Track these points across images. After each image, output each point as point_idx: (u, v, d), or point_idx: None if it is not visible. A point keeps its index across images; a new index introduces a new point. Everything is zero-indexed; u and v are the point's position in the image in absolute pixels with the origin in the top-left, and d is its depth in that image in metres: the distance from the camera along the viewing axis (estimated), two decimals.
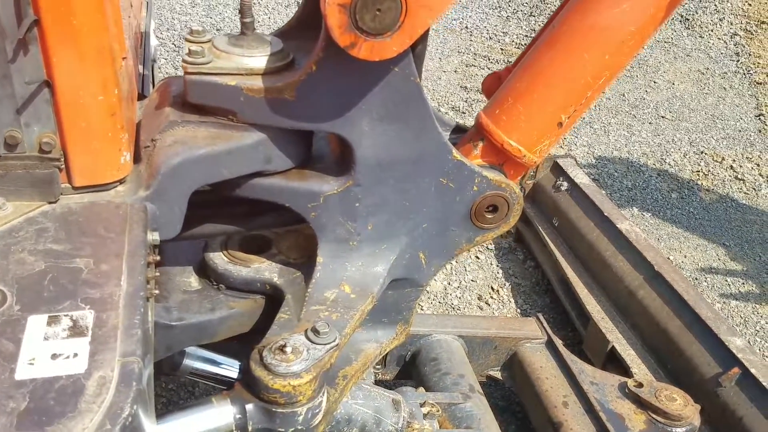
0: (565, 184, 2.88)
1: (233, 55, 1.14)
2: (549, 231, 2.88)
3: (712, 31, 6.19)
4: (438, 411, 1.87)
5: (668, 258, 2.99)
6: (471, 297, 2.88)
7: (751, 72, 5.40)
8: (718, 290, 3.03)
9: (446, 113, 4.46)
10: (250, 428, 1.09)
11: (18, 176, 1.03)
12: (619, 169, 3.94)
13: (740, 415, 1.95)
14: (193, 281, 1.35)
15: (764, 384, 1.92)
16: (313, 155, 1.27)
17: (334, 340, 1.13)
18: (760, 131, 4.49)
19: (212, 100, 1.13)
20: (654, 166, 3.99)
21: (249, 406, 1.09)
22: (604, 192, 2.93)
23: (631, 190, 3.73)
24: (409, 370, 2.18)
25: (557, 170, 2.97)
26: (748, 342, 2.71)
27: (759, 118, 4.66)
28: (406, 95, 1.15)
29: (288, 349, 1.09)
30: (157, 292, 1.02)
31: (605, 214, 2.64)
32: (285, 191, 1.22)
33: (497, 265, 3.07)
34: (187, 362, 1.49)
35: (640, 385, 2.03)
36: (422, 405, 1.87)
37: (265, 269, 1.32)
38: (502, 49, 5.52)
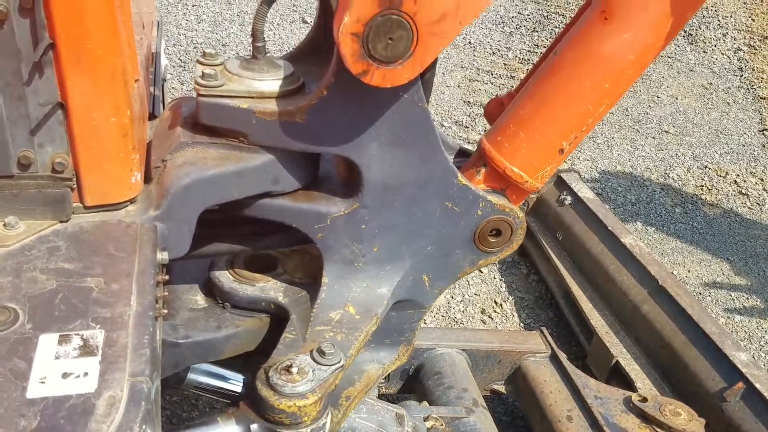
0: (569, 198, 2.89)
1: (245, 78, 1.16)
2: (552, 245, 2.89)
3: (715, 46, 6.22)
4: (441, 425, 1.88)
5: (672, 272, 3.00)
6: (474, 311, 2.89)
7: (755, 87, 5.42)
8: (722, 305, 3.03)
9: (449, 127, 4.49)
10: None
11: (30, 195, 1.04)
12: (622, 183, 3.95)
13: (745, 430, 1.95)
14: (200, 299, 1.36)
15: None
16: (319, 177, 1.29)
17: (339, 362, 1.14)
18: (763, 146, 4.50)
19: (224, 122, 1.15)
20: (658, 181, 4.00)
21: (253, 426, 1.10)
22: (607, 206, 2.94)
23: (635, 205, 3.74)
24: (412, 384, 2.19)
25: (561, 184, 2.98)
26: (753, 357, 2.71)
27: (763, 133, 4.68)
28: (414, 120, 1.16)
29: (294, 370, 1.10)
30: (165, 311, 1.03)
31: (609, 228, 2.65)
32: (292, 212, 1.23)
33: (500, 279, 3.08)
34: (192, 376, 1.50)
35: (644, 399, 2.03)
36: (426, 419, 1.88)
37: (270, 288, 1.33)
38: (505, 64, 5.55)
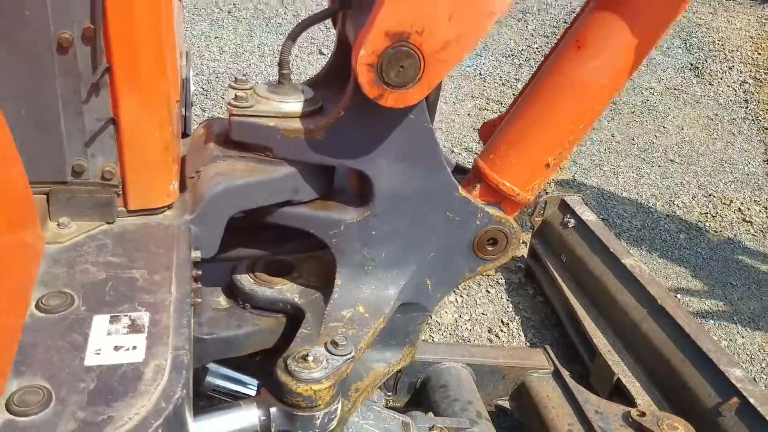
0: (572, 221, 3.00)
1: (272, 100, 1.31)
2: (557, 266, 3.00)
3: (721, 78, 6.36)
4: None
5: (674, 295, 3.09)
6: (481, 330, 2.99)
7: (760, 118, 5.53)
8: (724, 328, 3.11)
9: (459, 154, 4.63)
10: (272, 430, 1.22)
11: (81, 200, 1.19)
12: (628, 209, 4.06)
13: None
14: (222, 300, 1.49)
15: (762, 413, 2.00)
16: (335, 189, 1.43)
17: (351, 353, 1.26)
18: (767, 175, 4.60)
19: (253, 138, 1.30)
20: (663, 208, 4.10)
21: (273, 410, 1.22)
22: (609, 229, 3.05)
23: (641, 230, 3.84)
24: (419, 397, 2.28)
25: (565, 208, 3.10)
26: (754, 378, 2.79)
27: (767, 163, 4.78)
28: (420, 138, 1.30)
29: (310, 359, 1.22)
30: (199, 300, 1.16)
31: (611, 250, 2.75)
32: (310, 219, 1.37)
33: (507, 299, 3.18)
34: (210, 379, 1.63)
35: (642, 414, 2.12)
36: (431, 429, 1.97)
37: (287, 290, 1.46)
38: (514, 94, 5.71)
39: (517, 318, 3.07)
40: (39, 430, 0.80)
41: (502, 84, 5.95)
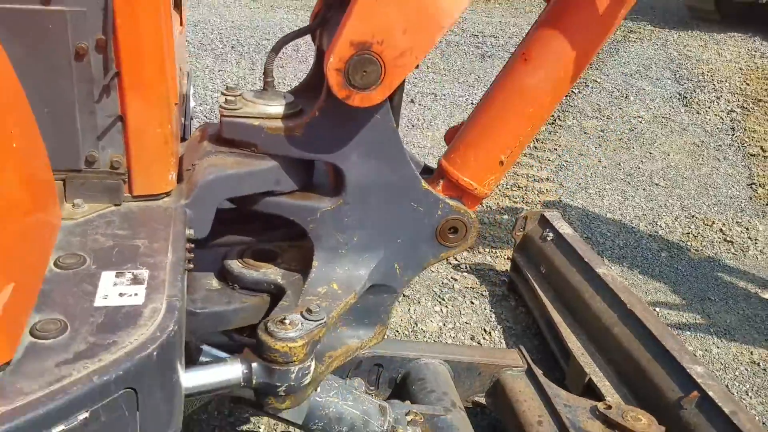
0: (551, 234, 3.19)
1: (257, 104, 1.53)
2: (537, 278, 3.17)
3: (709, 108, 6.59)
4: (421, 419, 2.13)
5: (650, 306, 3.25)
6: (464, 337, 3.15)
7: (746, 145, 5.73)
8: (700, 340, 3.25)
9: None
10: (254, 382, 1.40)
11: (93, 185, 1.39)
12: (611, 229, 4.23)
13: None
14: (214, 283, 1.68)
15: (721, 406, 2.15)
16: (313, 183, 1.63)
17: (322, 319, 1.44)
18: (751, 198, 4.77)
19: (240, 135, 1.51)
20: (645, 228, 4.28)
21: (254, 365, 1.40)
22: (588, 243, 3.23)
23: (623, 249, 4.01)
24: (400, 391, 2.43)
25: (544, 223, 3.29)
26: (727, 386, 2.92)
27: (751, 187, 4.95)
28: (385, 136, 1.51)
29: (287, 322, 1.40)
30: (191, 266, 1.35)
31: (586, 260, 2.93)
32: (290, 207, 1.57)
33: (490, 310, 3.35)
34: (203, 358, 1.80)
35: (609, 407, 2.27)
36: (407, 414, 2.13)
37: (271, 273, 1.65)
38: None
39: (499, 327, 3.23)
40: (56, 350, 0.98)
41: None
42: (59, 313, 1.05)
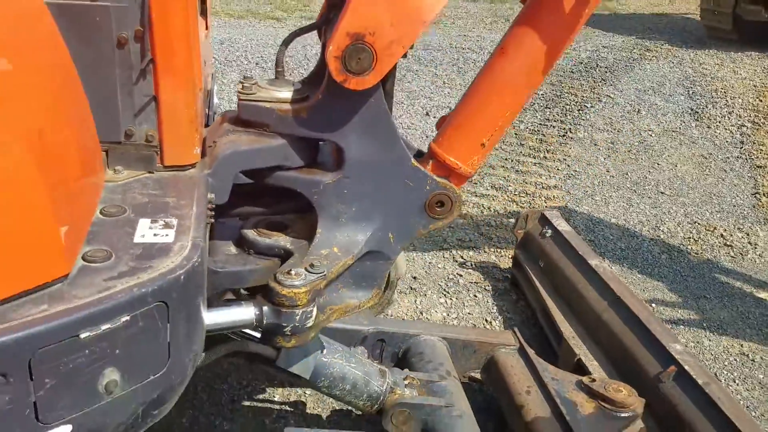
0: (549, 231, 3.39)
1: (270, 90, 1.78)
2: (536, 271, 3.36)
3: (719, 122, 6.73)
4: (417, 383, 2.34)
5: (646, 302, 3.42)
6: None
7: (753, 157, 5.86)
8: (693, 333, 3.40)
9: None
10: (264, 322, 1.64)
11: (131, 155, 1.64)
12: (615, 233, 4.41)
13: (676, 405, 2.34)
14: (232, 248, 1.93)
15: (695, 378, 2.32)
16: (318, 160, 1.87)
17: (323, 272, 1.68)
18: (754, 206, 4.91)
19: (254, 116, 1.76)
20: (648, 233, 4.44)
21: (265, 308, 1.63)
22: (581, 237, 3.41)
23: (624, 251, 4.18)
24: (400, 364, 2.64)
25: (543, 221, 3.49)
26: (715, 374, 3.08)
27: (755, 196, 5.09)
28: (378, 117, 1.75)
29: (293, 273, 1.64)
30: (212, 220, 1.59)
31: (580, 253, 3.12)
32: (297, 180, 1.81)
33: (492, 303, 3.54)
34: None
35: (593, 380, 2.45)
36: (405, 378, 2.35)
37: (281, 240, 1.89)
38: (516, 134, 6.16)
39: (499, 317, 3.42)
40: (102, 270, 1.23)
41: None
42: (104, 245, 1.30)
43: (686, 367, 2.38)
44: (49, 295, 1.16)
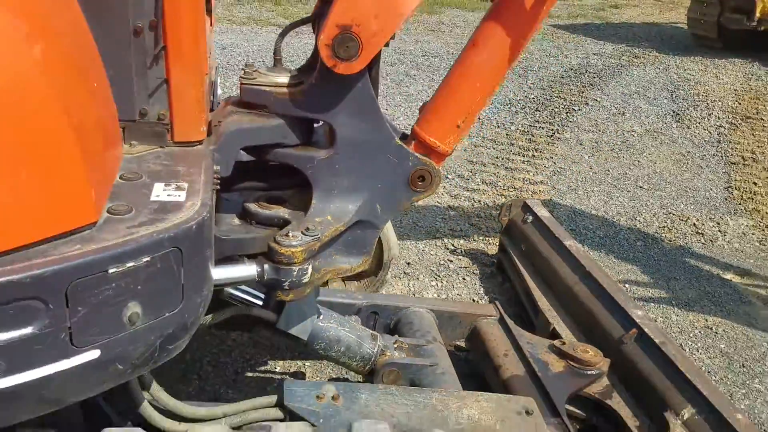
0: (530, 217, 3.62)
1: (269, 76, 2.01)
2: (519, 254, 3.60)
3: (699, 123, 6.99)
4: (406, 347, 2.56)
5: (620, 283, 3.64)
6: None
7: (729, 155, 6.12)
8: (662, 309, 3.63)
9: (453, 179, 5.29)
10: (265, 278, 1.85)
11: (145, 131, 1.86)
12: (594, 223, 4.64)
13: (637, 363, 2.56)
14: (236, 220, 2.14)
15: (653, 338, 2.55)
16: (312, 139, 2.10)
17: (317, 235, 1.90)
18: (726, 199, 5.15)
19: (255, 99, 1.98)
20: (625, 223, 4.68)
21: (266, 265, 1.85)
22: (558, 222, 3.65)
23: (602, 239, 4.42)
24: (392, 334, 2.85)
25: (526, 209, 3.72)
26: (681, 345, 3.30)
27: (727, 190, 5.34)
28: (365, 100, 1.97)
29: (290, 235, 1.87)
30: (218, 187, 1.81)
31: (556, 235, 3.35)
32: (294, 156, 2.03)
33: (480, 285, 3.77)
34: (227, 289, 2.25)
35: (563, 343, 2.68)
36: (394, 343, 2.57)
37: (280, 211, 2.11)
38: (507, 135, 6.40)
39: (486, 298, 3.65)
40: (125, 220, 1.45)
41: (497, 126, 6.65)
42: (125, 201, 1.52)
43: (646, 330, 2.61)
44: (81, 238, 1.38)
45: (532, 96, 7.71)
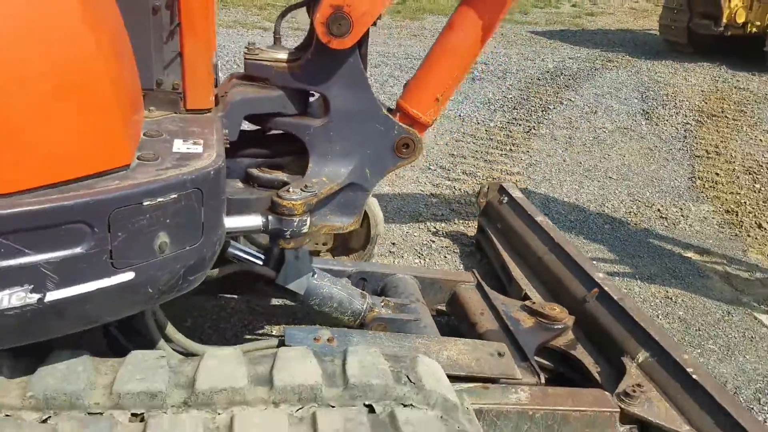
0: (505, 198, 3.90)
1: (269, 52, 2.27)
2: (495, 232, 3.88)
3: (667, 121, 7.36)
4: (392, 305, 2.82)
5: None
6: None
7: (693, 149, 6.48)
8: (626, 282, 3.93)
9: (435, 170, 5.57)
10: (269, 228, 2.10)
11: (160, 99, 2.11)
12: (566, 209, 4.95)
13: (598, 317, 2.85)
14: (240, 184, 2.39)
15: (612, 295, 2.84)
16: (309, 109, 2.36)
17: (315, 192, 2.16)
18: (689, 188, 5.50)
19: (257, 72, 2.24)
20: (594, 209, 4.99)
21: (270, 216, 2.10)
22: (530, 202, 3.94)
23: (573, 222, 4.72)
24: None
25: (501, 191, 4.01)
26: (650, 316, 3.59)
27: (691, 179, 5.68)
28: (355, 74, 2.24)
29: (291, 190, 2.12)
30: (228, 145, 2.06)
31: (528, 212, 3.64)
32: (292, 124, 2.29)
33: (460, 262, 4.04)
34: (231, 249, 2.50)
35: (533, 303, 2.96)
36: (381, 302, 2.82)
37: (280, 175, 2.36)
38: (486, 131, 6.71)
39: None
40: (154, 164, 1.69)
41: (477, 123, 6.96)
42: (151, 151, 1.76)
43: (606, 288, 2.90)
44: (118, 176, 1.62)
45: (511, 96, 8.04)
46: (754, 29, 10.30)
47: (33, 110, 1.45)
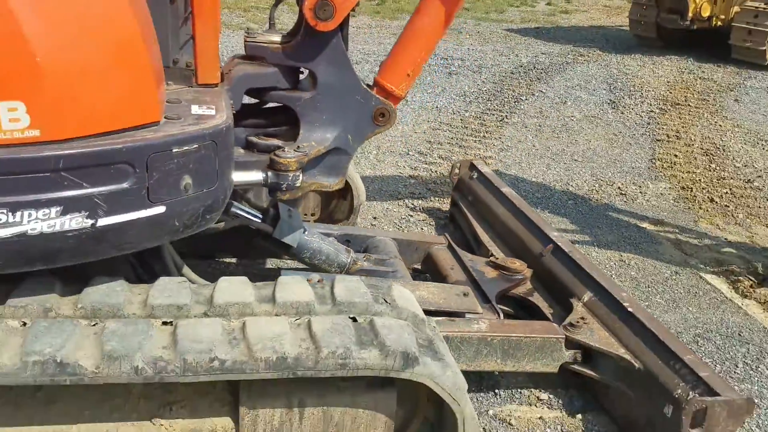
0: (475, 174, 4.33)
1: (266, 36, 2.68)
2: (466, 205, 4.30)
3: (632, 109, 7.84)
4: (373, 259, 3.23)
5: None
6: None
7: (655, 134, 6.96)
8: (585, 249, 4.37)
9: (413, 155, 5.98)
10: (268, 181, 2.50)
11: (176, 75, 2.50)
12: (533, 188, 5.39)
13: (552, 269, 3.28)
14: (241, 150, 2.79)
15: (564, 249, 3.28)
16: (299, 84, 2.77)
17: (306, 152, 2.57)
18: (649, 168, 5.97)
19: (256, 52, 2.65)
20: (559, 187, 5.44)
21: (269, 172, 2.51)
22: (497, 176, 4.37)
23: (539, 199, 5.16)
24: None
25: (472, 167, 4.44)
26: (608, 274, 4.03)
27: (651, 161, 6.16)
28: (338, 53, 2.65)
29: (285, 150, 2.53)
30: (234, 112, 2.46)
31: (495, 184, 4.08)
32: (286, 96, 2.70)
33: (435, 233, 4.46)
34: (233, 209, 2.90)
35: (497, 258, 3.39)
36: (363, 257, 3.24)
37: (275, 141, 2.77)
38: (461, 120, 7.14)
39: None
40: (179, 122, 2.09)
41: (453, 113, 7.39)
42: (170, 113, 2.16)
43: (559, 244, 3.34)
44: (152, 129, 2.01)
45: (485, 89, 8.48)
46: (719, 23, 10.84)
47: (95, 76, 1.85)
